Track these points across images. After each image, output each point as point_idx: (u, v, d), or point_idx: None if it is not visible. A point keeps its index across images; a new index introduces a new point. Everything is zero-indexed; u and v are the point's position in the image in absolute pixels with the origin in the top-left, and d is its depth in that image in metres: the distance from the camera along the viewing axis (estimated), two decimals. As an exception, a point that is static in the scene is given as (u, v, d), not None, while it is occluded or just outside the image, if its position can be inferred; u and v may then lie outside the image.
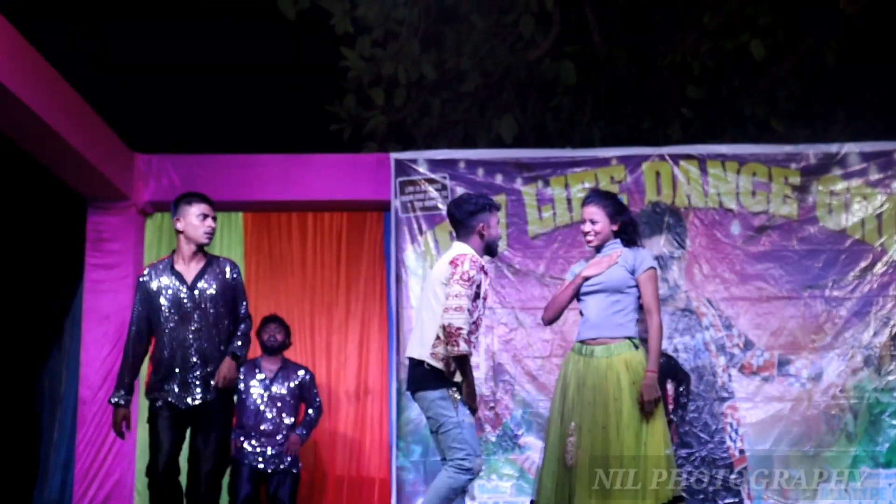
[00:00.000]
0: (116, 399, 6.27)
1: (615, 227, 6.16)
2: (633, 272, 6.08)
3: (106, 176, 8.18)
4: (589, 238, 6.18)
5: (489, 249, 6.09)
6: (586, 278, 6.12)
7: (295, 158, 8.80)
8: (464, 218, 6.04)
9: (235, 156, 8.82)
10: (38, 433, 8.78)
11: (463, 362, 5.86)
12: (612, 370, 5.96)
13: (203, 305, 6.23)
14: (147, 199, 8.66)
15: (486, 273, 5.97)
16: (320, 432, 8.52)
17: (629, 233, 6.21)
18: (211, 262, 6.36)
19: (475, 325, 5.88)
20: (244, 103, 10.21)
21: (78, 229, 8.72)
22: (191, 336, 6.21)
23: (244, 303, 6.39)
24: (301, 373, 8.14)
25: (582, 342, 6.11)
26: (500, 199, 8.28)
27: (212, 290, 6.26)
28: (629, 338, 6.04)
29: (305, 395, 8.14)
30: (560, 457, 5.99)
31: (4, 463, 8.67)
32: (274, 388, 8.04)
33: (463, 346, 5.76)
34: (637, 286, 6.09)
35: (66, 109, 7.59)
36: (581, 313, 6.22)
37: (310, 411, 8.15)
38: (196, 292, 6.24)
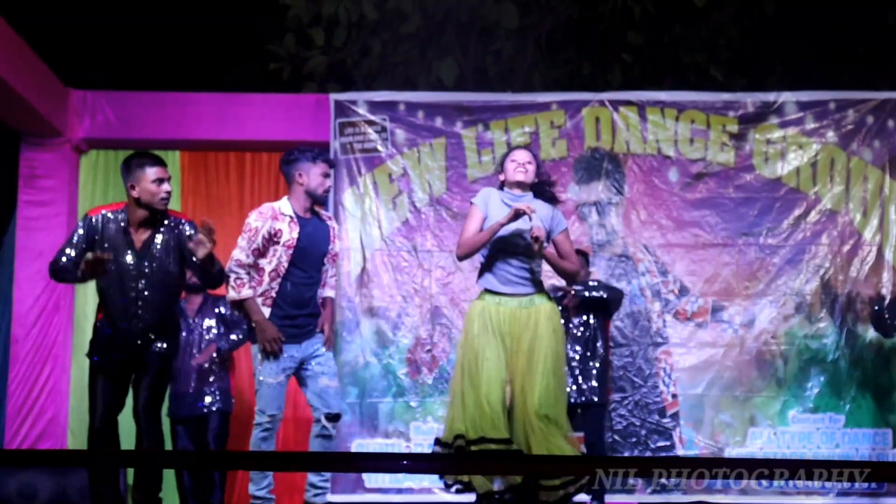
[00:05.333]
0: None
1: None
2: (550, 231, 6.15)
3: (39, 111, 8.04)
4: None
5: (313, 197, 6.26)
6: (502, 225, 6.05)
7: (233, 97, 8.71)
8: (282, 168, 6.35)
9: (173, 93, 8.72)
10: (-31, 372, 8.66)
11: (239, 308, 6.11)
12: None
13: (149, 272, 5.90)
14: (82, 135, 8.52)
15: (293, 220, 6.14)
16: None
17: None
18: (163, 225, 5.95)
19: (274, 272, 6.07)
20: (183, 40, 10.06)
21: (11, 165, 8.59)
22: (133, 298, 5.89)
23: None
24: (223, 305, 7.82)
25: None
26: (439, 141, 8.27)
27: (161, 255, 5.91)
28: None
29: (230, 324, 7.81)
30: (500, 398, 6.04)
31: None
32: (198, 324, 7.79)
33: (231, 293, 6.08)
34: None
35: (0, 43, 7.43)
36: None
37: (238, 334, 7.80)
38: (145, 259, 5.91)
